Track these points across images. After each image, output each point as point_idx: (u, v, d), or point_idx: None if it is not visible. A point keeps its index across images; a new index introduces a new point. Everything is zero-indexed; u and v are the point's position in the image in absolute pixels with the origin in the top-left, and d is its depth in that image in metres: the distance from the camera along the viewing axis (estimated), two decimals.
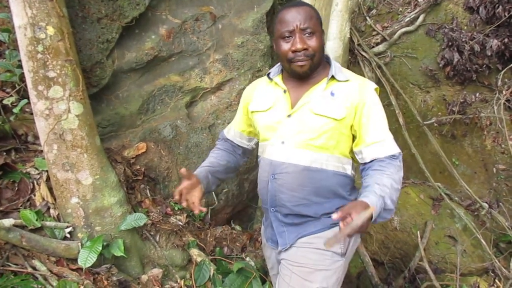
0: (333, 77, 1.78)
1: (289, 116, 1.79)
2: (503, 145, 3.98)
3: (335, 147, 1.76)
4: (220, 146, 2.19)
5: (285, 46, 1.72)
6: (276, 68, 1.96)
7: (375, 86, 1.82)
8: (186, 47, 3.04)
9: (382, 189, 1.59)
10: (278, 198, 1.84)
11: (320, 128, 1.73)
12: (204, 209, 1.84)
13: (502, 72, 3.90)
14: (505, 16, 3.80)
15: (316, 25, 1.73)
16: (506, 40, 3.82)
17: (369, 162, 1.75)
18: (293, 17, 1.70)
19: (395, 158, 1.71)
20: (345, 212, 1.41)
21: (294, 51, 1.70)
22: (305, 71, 1.75)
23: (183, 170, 1.80)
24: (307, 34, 1.70)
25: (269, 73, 1.97)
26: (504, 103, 3.85)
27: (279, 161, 1.80)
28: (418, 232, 3.57)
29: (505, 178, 3.96)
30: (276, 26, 1.77)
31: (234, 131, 2.15)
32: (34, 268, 2.04)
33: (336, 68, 1.81)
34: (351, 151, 1.83)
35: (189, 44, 3.05)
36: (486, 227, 3.66)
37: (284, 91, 1.84)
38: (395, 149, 1.72)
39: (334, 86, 1.77)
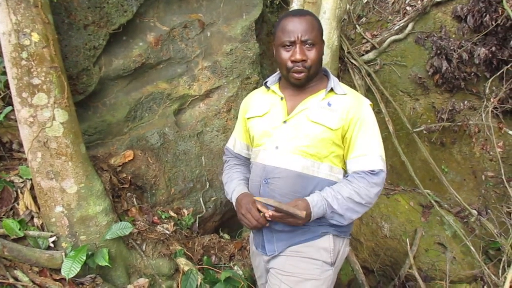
0: (331, 90, 1.82)
1: (284, 122, 1.81)
2: (491, 153, 4.00)
3: (327, 156, 1.79)
4: (236, 161, 2.16)
5: (285, 55, 1.76)
6: (274, 77, 1.99)
7: (370, 102, 1.87)
8: (174, 54, 3.03)
9: (333, 194, 1.73)
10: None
11: (315, 136, 1.75)
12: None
13: (490, 80, 3.92)
14: (492, 24, 3.83)
15: (317, 37, 1.77)
16: (493, 48, 3.85)
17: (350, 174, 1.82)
18: (295, 27, 1.73)
19: (373, 174, 1.75)
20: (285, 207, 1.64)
21: (293, 61, 1.74)
22: (301, 83, 1.80)
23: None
24: (307, 46, 1.74)
25: (266, 82, 1.99)
26: (492, 111, 3.86)
27: (272, 165, 1.81)
28: (408, 240, 3.57)
29: (494, 185, 3.97)
30: (277, 33, 1.80)
31: (241, 143, 2.13)
32: (16, 279, 2.00)
33: (335, 82, 1.85)
34: (343, 162, 1.86)
35: (177, 51, 3.04)
36: (476, 234, 3.65)
37: (281, 98, 1.87)
38: (376, 166, 1.76)
39: (332, 98, 1.81)
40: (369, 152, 1.76)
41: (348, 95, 1.82)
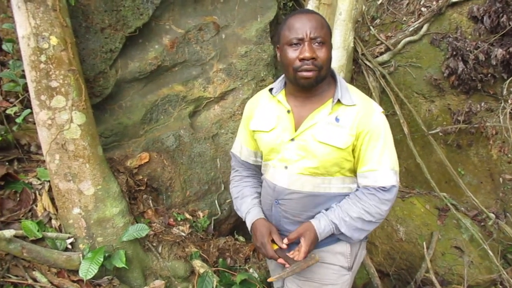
0: (339, 101, 1.67)
1: (292, 140, 1.71)
2: (509, 155, 3.94)
3: (338, 171, 1.71)
4: (245, 172, 2.06)
5: (292, 54, 1.59)
6: (279, 83, 1.83)
7: (381, 109, 1.73)
8: (189, 56, 3.04)
9: (341, 216, 1.69)
10: (283, 222, 1.82)
11: (322, 156, 1.66)
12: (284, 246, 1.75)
13: (508, 81, 3.88)
14: (509, 25, 3.78)
15: (327, 36, 1.61)
16: (511, 49, 3.80)
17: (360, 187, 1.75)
18: (303, 24, 1.57)
19: (384, 191, 1.67)
20: (296, 236, 1.69)
21: (302, 59, 1.56)
22: (310, 83, 1.62)
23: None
24: (317, 44, 1.58)
25: (271, 89, 1.84)
26: (509, 112, 3.81)
27: (282, 187, 1.75)
28: (424, 243, 3.53)
29: None
30: (283, 32, 1.64)
31: (247, 150, 2.00)
32: (34, 280, 2.02)
33: (343, 89, 1.69)
34: (355, 172, 1.77)
35: (192, 54, 3.05)
36: (493, 238, 3.60)
37: (288, 111, 1.73)
38: (387, 182, 1.67)
39: (339, 111, 1.67)
40: (380, 166, 1.66)
41: (357, 105, 1.66)
